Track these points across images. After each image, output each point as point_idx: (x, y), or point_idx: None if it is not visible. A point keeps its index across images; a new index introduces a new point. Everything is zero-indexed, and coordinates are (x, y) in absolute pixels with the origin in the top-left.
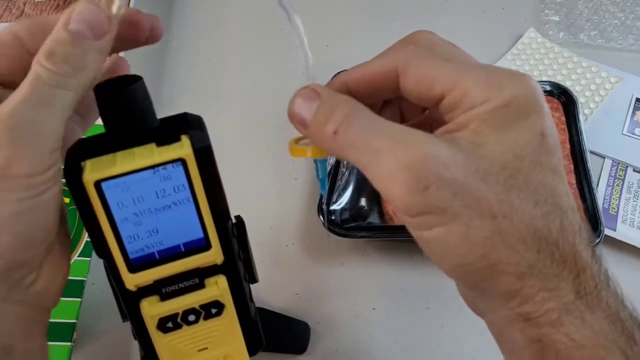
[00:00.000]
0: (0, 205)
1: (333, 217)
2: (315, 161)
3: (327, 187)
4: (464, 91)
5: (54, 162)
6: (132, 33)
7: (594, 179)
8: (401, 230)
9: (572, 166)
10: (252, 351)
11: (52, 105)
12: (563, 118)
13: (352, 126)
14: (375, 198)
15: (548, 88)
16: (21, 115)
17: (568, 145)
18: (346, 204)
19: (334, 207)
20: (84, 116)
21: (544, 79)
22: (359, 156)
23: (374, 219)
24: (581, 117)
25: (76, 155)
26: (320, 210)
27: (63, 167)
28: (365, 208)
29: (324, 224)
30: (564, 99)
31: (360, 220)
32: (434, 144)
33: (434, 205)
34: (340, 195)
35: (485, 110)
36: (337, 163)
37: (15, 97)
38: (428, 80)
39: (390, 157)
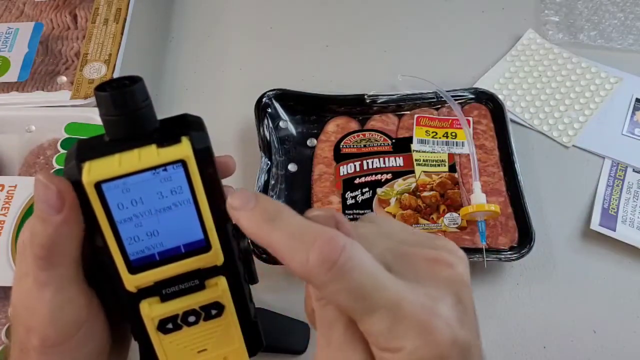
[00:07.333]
0: None
1: None
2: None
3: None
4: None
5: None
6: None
7: (523, 185)
8: None
9: (501, 173)
10: (252, 352)
11: (47, 285)
12: (491, 124)
13: None
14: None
15: (472, 96)
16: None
17: (497, 152)
18: None
19: None
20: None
21: (544, 79)
22: None
23: None
24: (509, 123)
25: (76, 156)
26: None
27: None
28: None
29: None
30: (491, 105)
31: None
32: None
33: None
34: None
35: None
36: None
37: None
38: None
39: None
